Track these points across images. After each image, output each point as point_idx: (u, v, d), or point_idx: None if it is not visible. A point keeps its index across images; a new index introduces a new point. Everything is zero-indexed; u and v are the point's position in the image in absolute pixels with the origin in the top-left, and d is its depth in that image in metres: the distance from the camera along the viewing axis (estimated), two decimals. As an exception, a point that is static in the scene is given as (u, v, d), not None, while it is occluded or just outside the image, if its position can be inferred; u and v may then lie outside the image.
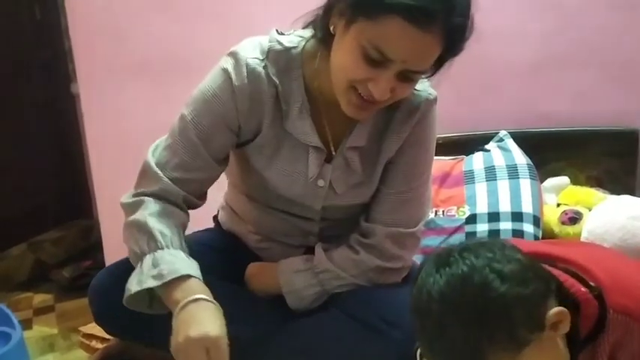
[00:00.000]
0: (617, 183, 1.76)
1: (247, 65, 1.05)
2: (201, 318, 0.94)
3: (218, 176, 1.16)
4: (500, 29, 1.85)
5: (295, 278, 1.15)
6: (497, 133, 1.84)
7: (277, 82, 1.07)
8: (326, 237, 1.20)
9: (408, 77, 0.96)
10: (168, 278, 0.98)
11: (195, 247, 1.12)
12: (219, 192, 1.29)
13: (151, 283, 0.99)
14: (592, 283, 0.77)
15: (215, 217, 1.37)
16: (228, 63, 1.07)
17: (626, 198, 1.54)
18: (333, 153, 1.12)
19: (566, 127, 1.86)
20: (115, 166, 1.91)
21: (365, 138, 1.11)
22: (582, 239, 1.43)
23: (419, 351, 0.94)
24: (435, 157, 1.78)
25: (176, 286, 0.98)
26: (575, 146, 1.85)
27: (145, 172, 1.10)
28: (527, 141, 1.79)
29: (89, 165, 2.08)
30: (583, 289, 0.77)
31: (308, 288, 1.15)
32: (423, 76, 1.03)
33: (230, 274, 1.22)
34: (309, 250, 1.19)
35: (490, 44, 1.86)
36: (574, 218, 1.55)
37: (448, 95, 1.83)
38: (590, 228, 1.47)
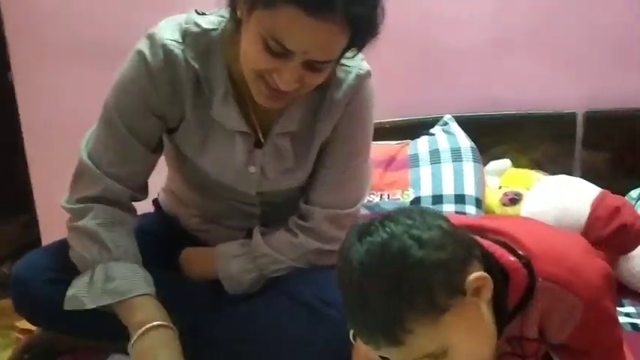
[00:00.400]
0: (556, 165, 1.80)
1: (164, 47, 1.02)
2: (162, 353, 0.96)
3: (155, 164, 1.14)
4: (445, 14, 1.87)
5: (232, 263, 1.14)
6: (443, 117, 1.86)
7: (197, 66, 1.03)
8: (269, 220, 1.19)
9: (315, 67, 0.92)
10: (126, 297, 0.99)
11: (135, 233, 1.10)
12: (157, 175, 1.25)
13: (107, 300, 1.00)
14: (521, 252, 0.78)
15: (155, 200, 1.34)
16: (144, 45, 1.03)
17: (561, 178, 1.57)
18: (262, 139, 1.09)
19: (508, 111, 1.89)
20: (52, 156, 1.84)
21: (296, 122, 1.08)
22: (521, 219, 1.45)
23: (352, 331, 0.94)
24: (381, 142, 1.84)
25: (133, 305, 1.00)
26: (517, 130, 1.88)
27: (83, 172, 1.08)
28: (471, 125, 1.82)
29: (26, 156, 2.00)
30: (512, 258, 0.77)
31: (245, 273, 1.13)
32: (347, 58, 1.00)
33: (169, 259, 1.20)
34: (251, 234, 1.17)
35: (435, 29, 1.89)
36: (514, 199, 1.58)
37: (394, 80, 1.87)
38: (527, 208, 1.50)
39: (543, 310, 0.77)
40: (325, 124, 1.09)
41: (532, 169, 1.79)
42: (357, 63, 1.08)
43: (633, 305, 1.34)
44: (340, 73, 1.07)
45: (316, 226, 1.12)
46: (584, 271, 0.77)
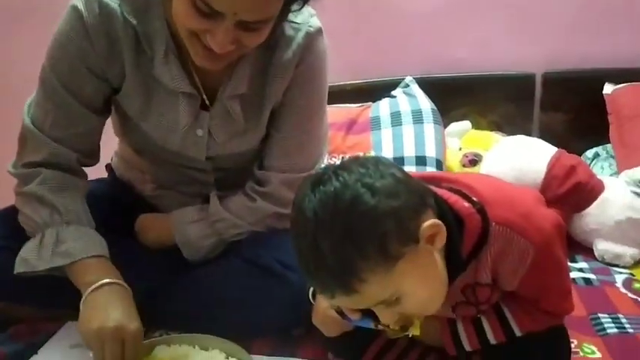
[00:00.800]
0: (515, 126, 1.82)
1: (99, 1, 0.97)
2: (116, 307, 0.92)
3: (101, 127, 1.10)
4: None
5: (190, 229, 1.12)
6: (404, 79, 1.85)
7: (134, 22, 0.98)
8: (224, 187, 1.16)
9: (249, 27, 0.88)
10: (77, 258, 0.97)
11: (87, 199, 1.07)
12: (111, 140, 1.22)
13: (58, 262, 0.97)
14: (475, 199, 0.78)
15: (108, 166, 1.30)
16: (78, 0, 0.98)
17: (519, 138, 1.59)
18: (206, 101, 1.04)
19: (469, 73, 1.90)
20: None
21: (245, 84, 1.03)
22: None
23: (311, 290, 0.94)
24: (343, 105, 1.82)
25: (85, 267, 0.97)
26: (477, 91, 1.89)
27: (27, 138, 1.04)
28: (431, 87, 1.82)
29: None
30: (466, 204, 0.77)
31: (204, 238, 1.11)
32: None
33: (125, 226, 1.17)
34: (207, 200, 1.14)
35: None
36: (474, 160, 1.59)
37: (355, 42, 1.85)
38: (487, 169, 1.51)
39: (496, 255, 0.77)
40: (276, 86, 1.05)
41: (492, 130, 1.81)
42: (307, 19, 1.04)
43: (586, 261, 1.37)
44: (289, 31, 1.02)
45: (273, 190, 1.10)
46: (536, 217, 0.78)
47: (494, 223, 0.76)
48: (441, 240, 0.73)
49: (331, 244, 0.68)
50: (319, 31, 1.05)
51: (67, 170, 1.05)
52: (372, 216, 0.68)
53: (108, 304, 0.93)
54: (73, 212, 1.01)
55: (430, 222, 0.71)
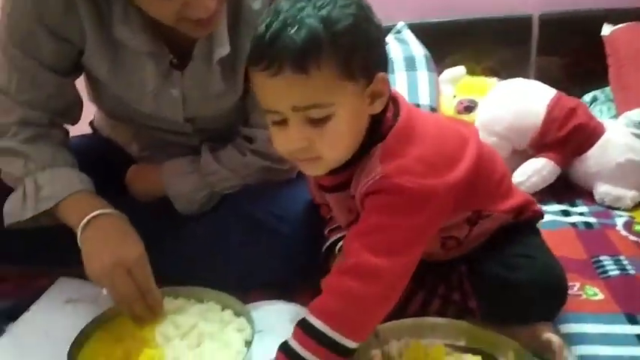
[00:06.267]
0: (512, 72, 1.75)
1: None
2: (110, 239, 0.90)
3: (72, 87, 1.04)
4: None
5: (182, 181, 1.08)
6: (396, 25, 1.78)
7: None
8: (210, 148, 1.10)
9: None
10: (60, 198, 0.94)
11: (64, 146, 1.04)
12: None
13: (43, 207, 0.94)
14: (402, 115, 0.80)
15: (91, 123, 1.25)
16: None
17: (516, 81, 1.54)
18: (173, 60, 0.98)
19: (463, 17, 1.84)
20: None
21: (227, 43, 0.96)
22: (477, 125, 1.42)
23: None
24: None
25: (70, 205, 0.94)
26: (472, 36, 1.84)
27: None
28: (425, 32, 1.77)
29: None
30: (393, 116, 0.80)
31: (196, 191, 1.08)
32: None
33: (110, 183, 1.12)
34: (198, 152, 1.10)
35: None
36: (469, 107, 1.55)
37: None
38: (483, 115, 1.47)
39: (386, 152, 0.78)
40: (247, 39, 0.98)
41: (487, 76, 1.76)
42: None
43: (586, 205, 1.35)
44: None
45: (262, 147, 1.06)
46: (430, 162, 0.77)
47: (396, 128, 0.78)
48: (380, 105, 0.77)
49: (314, 17, 0.70)
50: None
51: (41, 127, 1.01)
52: (367, 20, 0.73)
53: (101, 239, 0.90)
54: (47, 156, 0.98)
55: (386, 76, 0.75)
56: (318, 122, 0.73)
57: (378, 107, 0.77)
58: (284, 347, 0.75)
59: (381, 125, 0.79)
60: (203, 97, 1.02)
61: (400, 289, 0.76)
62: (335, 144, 0.76)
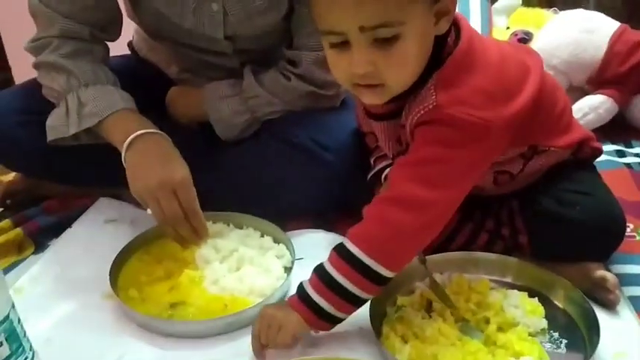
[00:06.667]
0: (569, 4, 1.66)
1: None
2: (155, 159, 0.89)
3: (111, 1, 1.00)
4: None
5: (223, 105, 1.05)
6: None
7: None
8: (253, 71, 1.06)
9: None
10: (103, 116, 0.93)
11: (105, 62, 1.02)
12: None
13: (87, 124, 0.94)
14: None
15: (130, 44, 1.22)
16: None
17: (578, 12, 1.44)
18: None
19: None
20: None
21: None
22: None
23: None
24: None
25: (114, 122, 0.93)
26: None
27: (36, 14, 0.98)
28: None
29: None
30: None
31: (237, 115, 1.05)
32: None
33: (149, 105, 1.10)
34: (241, 75, 1.06)
35: None
36: (524, 39, 1.46)
37: None
38: (540, 46, 1.38)
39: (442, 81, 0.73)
40: None
41: (543, 7, 1.65)
42: None
43: (643, 146, 1.29)
44: None
45: (306, 71, 1.02)
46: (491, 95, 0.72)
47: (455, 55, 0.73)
48: (446, 23, 0.71)
49: None
50: None
51: (82, 41, 0.98)
52: None
53: (146, 159, 0.90)
54: (90, 72, 0.97)
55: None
56: (385, 44, 0.67)
57: (443, 27, 0.71)
58: (318, 269, 0.74)
59: (442, 51, 0.73)
60: (244, 13, 0.98)
61: (443, 223, 0.74)
62: (401, 68, 0.70)
